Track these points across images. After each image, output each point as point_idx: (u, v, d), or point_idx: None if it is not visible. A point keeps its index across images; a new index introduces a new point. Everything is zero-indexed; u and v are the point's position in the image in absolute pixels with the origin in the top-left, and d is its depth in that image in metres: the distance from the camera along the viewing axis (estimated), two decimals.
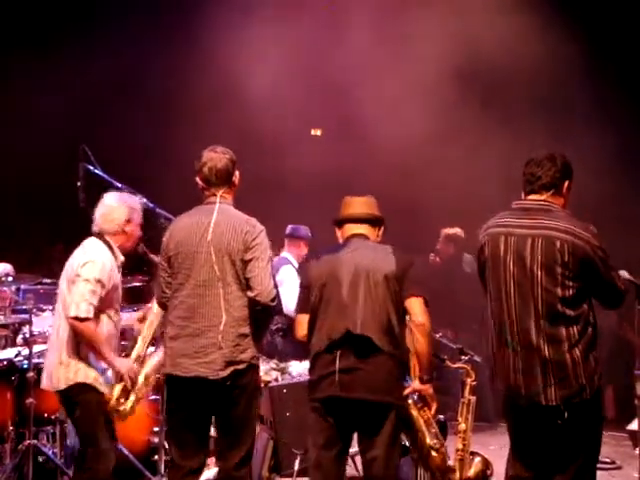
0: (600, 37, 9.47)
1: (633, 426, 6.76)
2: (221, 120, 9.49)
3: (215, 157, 5.08)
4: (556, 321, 4.41)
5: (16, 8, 10.11)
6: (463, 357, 5.87)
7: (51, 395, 6.63)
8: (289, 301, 6.04)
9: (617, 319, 9.29)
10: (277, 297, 4.97)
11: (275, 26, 9.21)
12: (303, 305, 5.22)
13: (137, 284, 7.25)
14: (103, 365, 5.54)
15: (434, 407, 5.28)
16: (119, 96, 10.18)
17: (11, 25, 10.10)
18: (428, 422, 5.29)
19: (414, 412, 5.27)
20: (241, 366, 4.94)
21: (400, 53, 9.24)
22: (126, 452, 6.53)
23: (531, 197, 4.63)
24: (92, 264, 5.46)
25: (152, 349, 5.83)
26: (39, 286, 8.01)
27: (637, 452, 6.61)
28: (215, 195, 5.07)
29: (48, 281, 7.89)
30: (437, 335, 5.95)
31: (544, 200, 4.57)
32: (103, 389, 5.53)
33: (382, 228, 5.31)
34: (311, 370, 5.17)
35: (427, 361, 5.08)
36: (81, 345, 5.49)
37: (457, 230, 9.41)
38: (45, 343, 7.06)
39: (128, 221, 5.71)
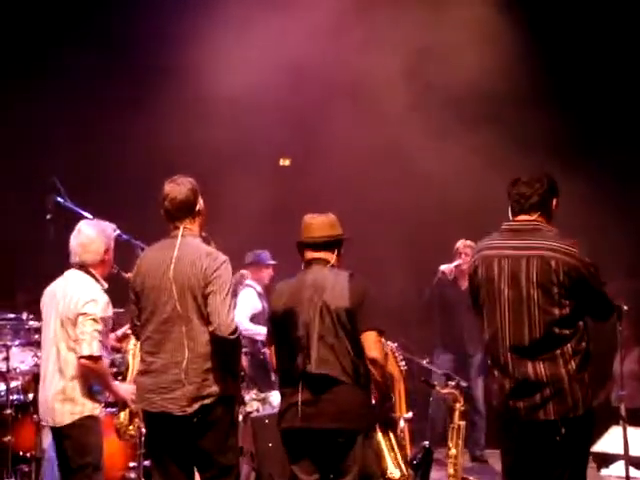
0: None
1: (598, 448, 6.76)
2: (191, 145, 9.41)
3: (175, 189, 5.01)
4: (551, 340, 4.48)
5: None
6: (450, 382, 5.87)
7: (27, 432, 6.59)
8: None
9: None
10: (237, 330, 4.89)
11: (243, 46, 9.19)
12: (270, 337, 5.26)
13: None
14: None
15: (399, 428, 5.28)
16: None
17: None
18: (391, 447, 5.28)
19: (377, 436, 5.26)
20: (208, 400, 4.87)
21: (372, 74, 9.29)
22: None
23: (520, 218, 4.70)
24: (94, 303, 5.51)
25: None
26: (3, 322, 7.82)
27: (601, 474, 6.62)
28: (178, 228, 5.02)
29: (12, 316, 7.73)
30: (424, 361, 5.94)
31: (534, 220, 4.65)
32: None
33: (341, 247, 5.21)
34: (281, 401, 5.19)
35: (382, 391, 5.05)
36: (85, 379, 5.51)
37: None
38: (17, 379, 7.01)
39: (106, 251, 5.74)
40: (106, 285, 5.72)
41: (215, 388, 4.87)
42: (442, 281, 8.56)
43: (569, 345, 4.49)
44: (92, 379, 5.52)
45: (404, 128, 9.15)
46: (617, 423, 6.20)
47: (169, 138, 9.51)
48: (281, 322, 5.07)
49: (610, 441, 6.66)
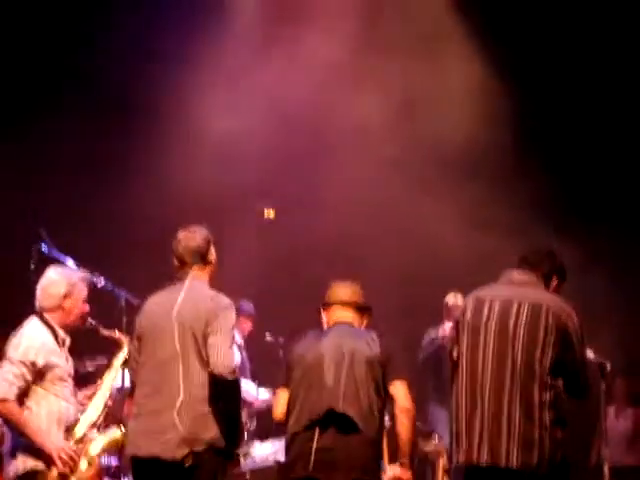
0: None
1: None
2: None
3: (189, 236, 5.13)
4: (531, 385, 4.45)
5: None
6: (434, 439, 5.86)
7: None
8: None
9: None
10: (236, 371, 4.89)
11: (229, 92, 9.20)
12: (284, 382, 5.19)
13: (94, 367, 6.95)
14: None
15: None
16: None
17: None
18: None
19: None
20: (199, 447, 4.78)
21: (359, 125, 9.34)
22: None
23: (521, 272, 4.75)
24: (17, 346, 5.29)
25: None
26: None
27: None
28: (187, 273, 5.09)
29: None
30: None
31: (534, 277, 4.72)
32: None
33: (368, 317, 5.33)
34: (287, 451, 5.09)
35: (410, 445, 5.08)
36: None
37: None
38: None
39: (66, 296, 5.45)
40: (62, 335, 5.44)
41: (208, 434, 4.81)
42: (436, 342, 8.53)
43: (547, 395, 4.45)
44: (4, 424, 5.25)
45: (390, 182, 9.19)
46: None
47: (155, 183, 9.50)
48: (306, 366, 5.06)
49: None
